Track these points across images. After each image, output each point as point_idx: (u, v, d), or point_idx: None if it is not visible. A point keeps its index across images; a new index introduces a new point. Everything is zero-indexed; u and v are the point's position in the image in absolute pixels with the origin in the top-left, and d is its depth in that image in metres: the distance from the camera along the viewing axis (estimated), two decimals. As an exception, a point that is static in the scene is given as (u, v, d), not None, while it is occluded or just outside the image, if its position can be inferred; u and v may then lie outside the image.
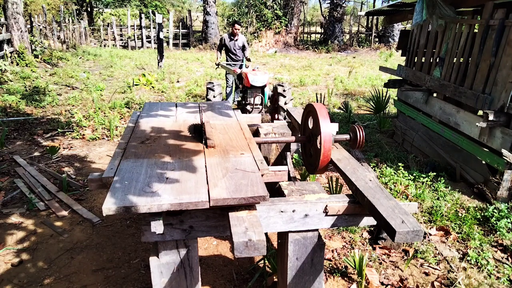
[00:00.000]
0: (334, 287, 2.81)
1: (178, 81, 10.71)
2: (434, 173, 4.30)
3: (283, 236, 2.10)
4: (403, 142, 5.80)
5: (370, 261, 3.08)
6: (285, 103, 5.43)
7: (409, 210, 1.89)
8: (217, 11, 21.35)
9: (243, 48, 7.50)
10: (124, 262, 3.05)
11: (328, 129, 2.17)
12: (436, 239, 3.36)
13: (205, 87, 9.83)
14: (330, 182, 3.87)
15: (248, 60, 7.56)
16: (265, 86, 5.42)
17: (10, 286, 2.74)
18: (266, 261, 2.86)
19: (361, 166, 2.24)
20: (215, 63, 7.46)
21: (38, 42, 13.01)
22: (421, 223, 3.62)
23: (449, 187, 4.17)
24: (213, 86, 5.91)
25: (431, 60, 5.20)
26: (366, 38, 22.86)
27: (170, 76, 11.32)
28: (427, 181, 4.23)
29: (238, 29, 7.24)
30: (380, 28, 22.85)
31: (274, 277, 2.80)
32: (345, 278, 2.89)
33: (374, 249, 3.25)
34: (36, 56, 12.01)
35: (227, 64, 7.33)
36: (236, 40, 7.37)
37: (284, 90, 5.49)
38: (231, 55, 7.51)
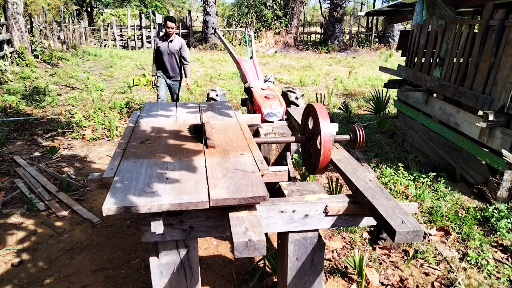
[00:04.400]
0: (334, 287, 2.81)
1: (178, 81, 10.70)
2: (434, 173, 4.30)
3: (283, 236, 2.10)
4: (403, 142, 5.80)
5: (370, 261, 3.08)
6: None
7: (409, 210, 1.89)
8: (217, 12, 21.35)
9: (180, 55, 5.88)
10: (124, 262, 3.05)
11: (328, 129, 2.17)
12: (436, 239, 3.36)
13: (205, 87, 9.84)
14: (330, 182, 3.87)
15: (185, 75, 6.00)
16: (281, 120, 4.12)
17: (10, 286, 2.74)
18: (266, 261, 2.86)
19: (361, 166, 2.24)
20: (152, 85, 6.00)
21: (38, 42, 13.01)
22: (421, 223, 3.62)
23: (449, 187, 4.17)
24: (216, 93, 5.20)
25: (431, 60, 5.20)
26: (366, 38, 22.86)
27: (170, 76, 11.31)
28: (427, 181, 4.23)
29: (173, 28, 5.65)
30: (380, 29, 22.86)
31: (274, 277, 2.80)
32: (345, 278, 2.89)
33: (374, 249, 3.25)
34: (36, 56, 12.00)
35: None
36: (171, 41, 5.74)
37: (296, 98, 4.70)
38: (165, 64, 5.83)
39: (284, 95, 4.97)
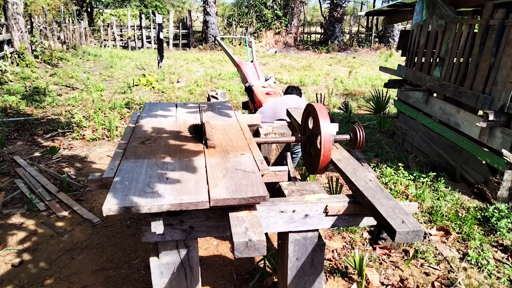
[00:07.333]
0: (334, 287, 2.81)
1: (178, 82, 10.71)
2: (434, 173, 4.30)
3: (283, 236, 2.10)
4: (403, 142, 5.80)
5: (370, 261, 3.08)
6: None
7: (409, 210, 1.89)
8: (217, 12, 21.35)
9: None
10: (124, 262, 3.05)
11: (328, 129, 2.16)
12: (436, 239, 3.36)
13: (205, 87, 9.84)
14: (330, 182, 3.87)
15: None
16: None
17: (10, 287, 2.74)
18: (266, 261, 2.86)
19: (361, 166, 2.24)
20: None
21: (38, 42, 13.01)
22: (421, 223, 3.61)
23: (449, 187, 4.17)
24: (217, 95, 4.81)
25: (431, 60, 5.20)
26: (366, 38, 22.86)
27: (170, 76, 11.32)
28: (427, 181, 4.23)
29: None
30: (380, 28, 22.86)
31: (274, 277, 2.80)
32: (345, 278, 2.89)
33: (374, 249, 3.25)
34: (36, 57, 12.00)
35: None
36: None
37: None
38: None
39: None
